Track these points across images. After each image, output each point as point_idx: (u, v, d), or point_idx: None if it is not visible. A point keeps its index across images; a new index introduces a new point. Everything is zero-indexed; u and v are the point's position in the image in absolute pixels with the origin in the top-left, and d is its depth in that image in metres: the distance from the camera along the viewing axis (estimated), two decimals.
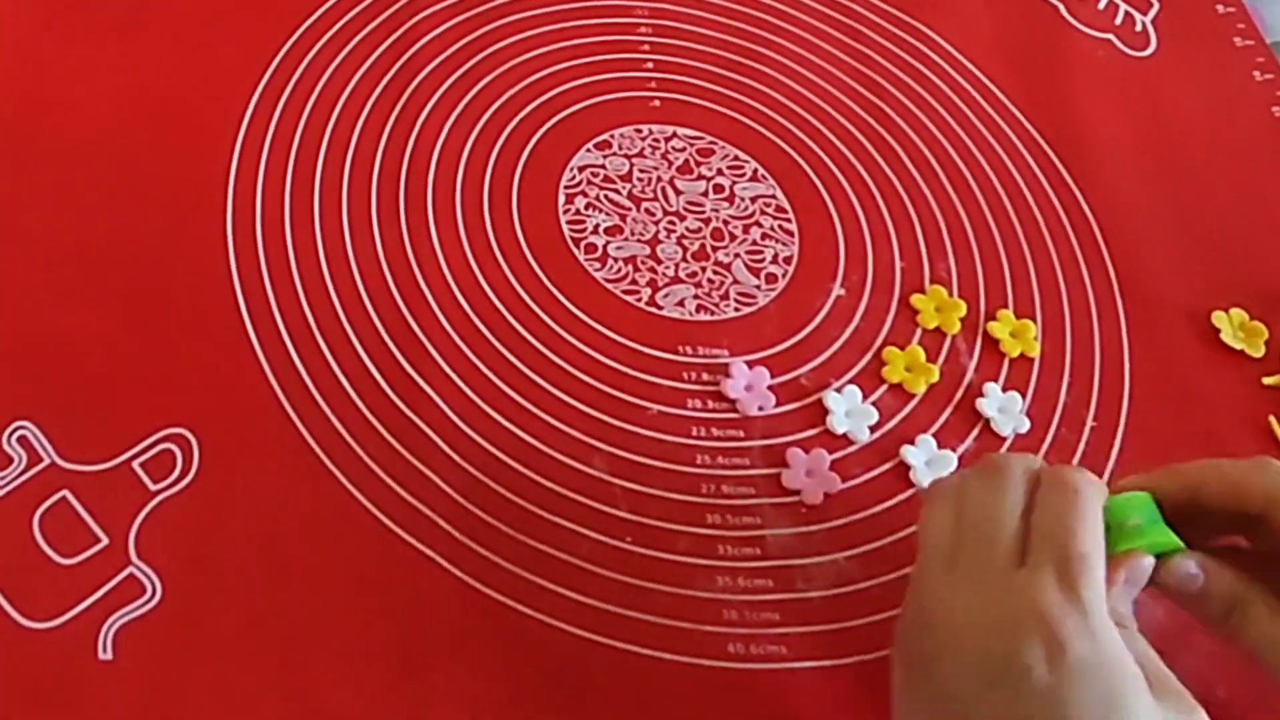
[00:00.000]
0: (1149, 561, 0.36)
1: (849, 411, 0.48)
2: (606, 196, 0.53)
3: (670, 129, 0.56)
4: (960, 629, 0.34)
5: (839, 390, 0.48)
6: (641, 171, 0.54)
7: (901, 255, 0.53)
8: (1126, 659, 0.33)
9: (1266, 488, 0.37)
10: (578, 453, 0.45)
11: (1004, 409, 0.49)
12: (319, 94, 0.53)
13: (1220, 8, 0.67)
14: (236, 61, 0.53)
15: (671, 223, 0.52)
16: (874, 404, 0.48)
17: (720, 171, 0.55)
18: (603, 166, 0.54)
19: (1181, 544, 0.37)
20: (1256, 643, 0.37)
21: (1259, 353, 0.53)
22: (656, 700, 0.40)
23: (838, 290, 0.52)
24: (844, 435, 0.47)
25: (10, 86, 0.51)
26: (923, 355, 0.50)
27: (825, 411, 0.47)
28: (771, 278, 0.52)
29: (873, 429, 0.47)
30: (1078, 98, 0.61)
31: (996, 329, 0.51)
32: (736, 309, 0.50)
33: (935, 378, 0.49)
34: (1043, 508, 0.36)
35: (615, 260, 0.51)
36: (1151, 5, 0.67)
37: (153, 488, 0.42)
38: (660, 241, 0.52)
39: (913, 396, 0.49)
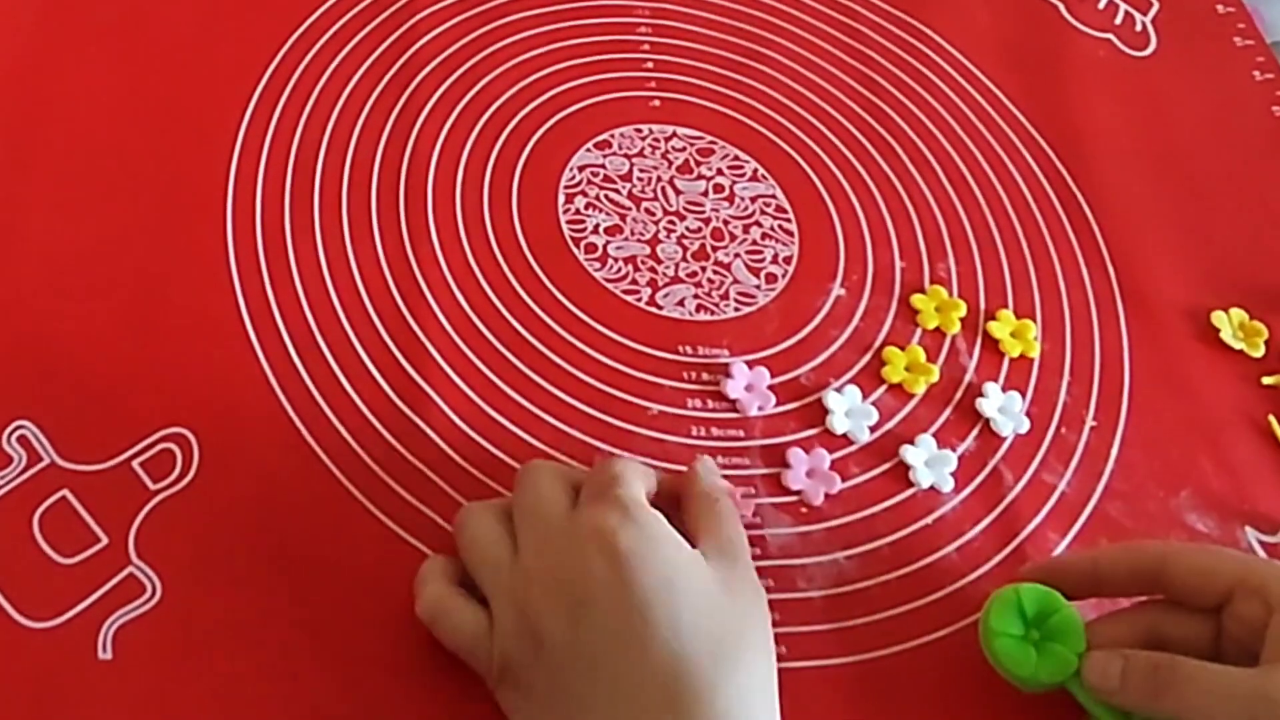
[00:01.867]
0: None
1: (849, 411, 0.48)
2: (606, 196, 0.53)
3: (670, 129, 0.56)
4: (534, 576, 0.37)
5: (839, 390, 0.48)
6: (641, 171, 0.54)
7: (901, 255, 0.53)
8: (673, 536, 0.37)
9: (1234, 575, 0.39)
10: (578, 453, 0.45)
11: (1004, 409, 0.49)
12: (318, 94, 0.53)
13: (1220, 7, 0.67)
14: (236, 61, 0.53)
15: (671, 222, 0.52)
16: (874, 404, 0.48)
17: (720, 171, 0.55)
18: (603, 166, 0.54)
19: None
20: (1194, 705, 0.37)
21: (1258, 352, 0.53)
22: None
23: (838, 290, 0.52)
24: (844, 435, 0.47)
25: (10, 86, 0.50)
26: (923, 355, 0.50)
27: (825, 411, 0.47)
28: (771, 277, 0.52)
29: (872, 429, 0.47)
30: (1078, 97, 0.61)
31: (996, 329, 0.51)
32: (736, 309, 0.50)
33: (935, 378, 0.49)
34: (587, 483, 0.40)
35: (615, 260, 0.51)
36: (1151, 5, 0.67)
37: (152, 487, 0.42)
38: (660, 241, 0.52)
39: (912, 396, 0.49)
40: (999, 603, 0.41)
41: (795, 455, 0.46)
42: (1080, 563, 0.42)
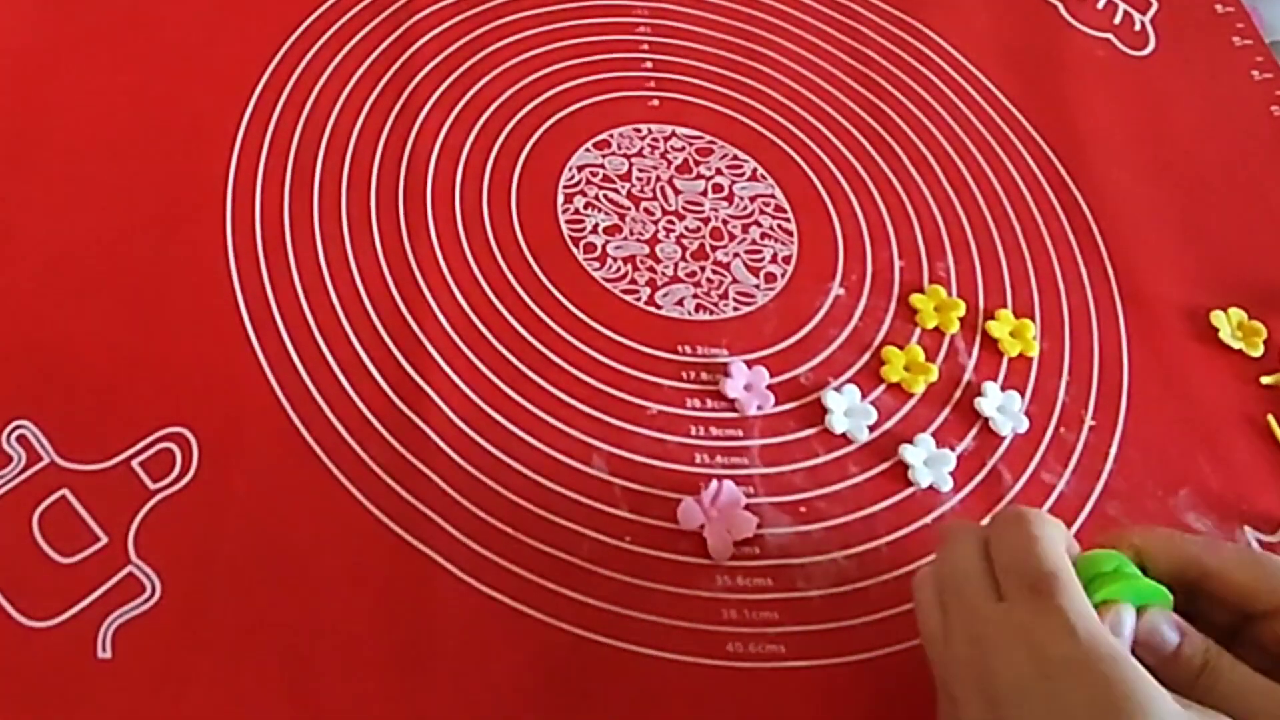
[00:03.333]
0: (1130, 612, 0.36)
1: (848, 411, 0.48)
2: (605, 196, 0.53)
3: (669, 128, 0.56)
4: (964, 666, 0.35)
5: (838, 390, 0.48)
6: (640, 171, 0.54)
7: (900, 254, 0.53)
8: (1125, 656, 0.33)
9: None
10: (578, 452, 0.45)
11: (1003, 408, 0.49)
12: (318, 94, 0.53)
13: (1219, 7, 0.67)
14: (236, 61, 0.53)
15: (670, 222, 0.52)
16: (873, 403, 0.48)
17: (719, 171, 0.55)
18: (602, 166, 0.54)
19: (1166, 592, 0.37)
20: (1228, 701, 0.35)
21: (1257, 352, 0.53)
22: (656, 700, 0.40)
23: (837, 290, 0.52)
24: (843, 434, 0.47)
25: (10, 87, 0.51)
26: (921, 355, 0.50)
27: (824, 411, 0.47)
28: (770, 277, 0.52)
29: (871, 428, 0.47)
30: (1077, 97, 0.61)
31: (995, 328, 0.51)
32: (735, 308, 0.50)
33: (934, 377, 0.49)
34: (998, 544, 0.37)
35: (614, 260, 0.51)
36: (1150, 4, 0.67)
37: (152, 487, 0.42)
38: (659, 241, 0.52)
39: (911, 396, 0.49)
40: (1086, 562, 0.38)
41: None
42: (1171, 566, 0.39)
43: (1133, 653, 0.35)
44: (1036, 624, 0.34)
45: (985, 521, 0.40)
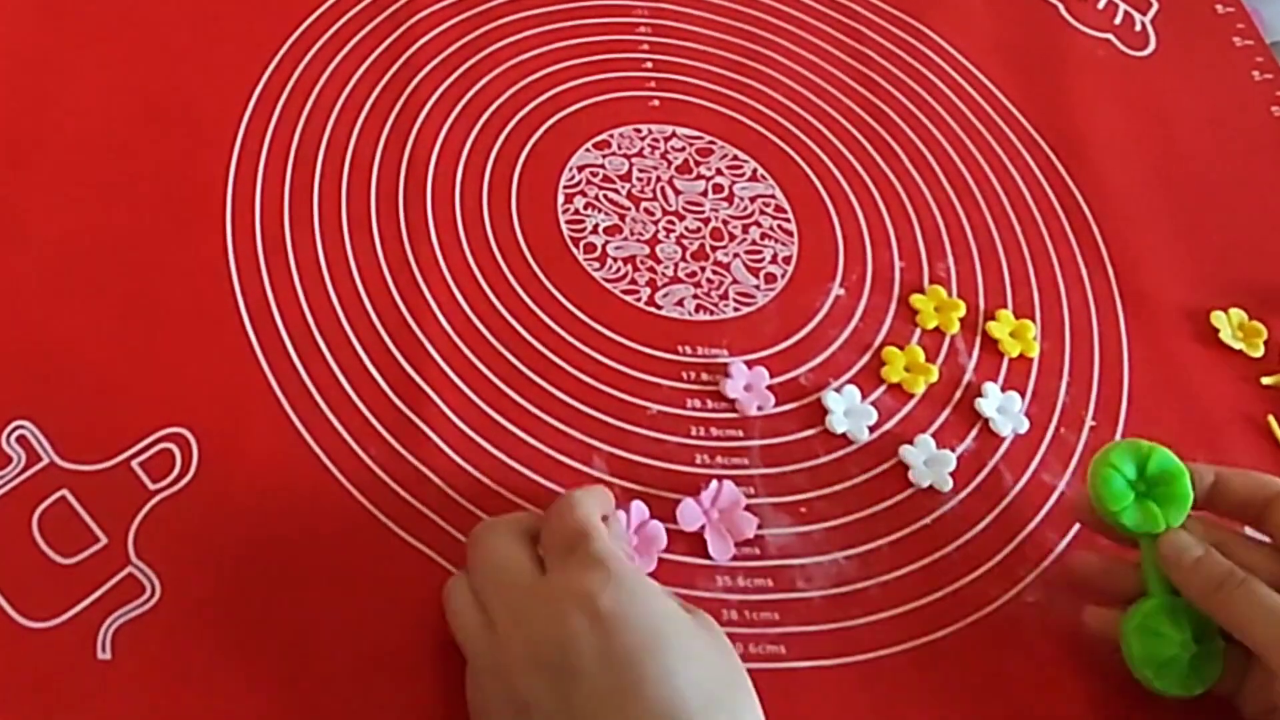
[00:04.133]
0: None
1: (848, 411, 0.48)
2: (606, 196, 0.53)
3: (669, 129, 0.56)
4: (514, 647, 0.35)
5: (838, 390, 0.48)
6: (641, 171, 0.54)
7: (901, 255, 0.53)
8: (654, 593, 0.36)
9: None
10: (578, 453, 0.45)
11: (1003, 409, 0.49)
12: (318, 94, 0.53)
13: (1219, 7, 0.67)
14: (236, 61, 0.53)
15: (671, 222, 0.52)
16: (873, 404, 0.48)
17: (719, 171, 0.55)
18: (602, 166, 0.54)
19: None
20: (1248, 616, 0.38)
21: (1258, 352, 0.53)
22: None
23: (837, 290, 0.52)
24: (843, 435, 0.47)
25: (10, 86, 0.51)
26: (922, 355, 0.50)
27: (824, 411, 0.47)
28: (771, 277, 0.52)
29: (871, 429, 0.47)
30: (1077, 97, 0.61)
31: (995, 329, 0.51)
32: (736, 309, 0.50)
33: (934, 378, 0.49)
34: (543, 531, 0.38)
35: (614, 260, 0.51)
36: (1151, 5, 0.67)
37: (152, 487, 0.42)
38: (659, 241, 0.52)
39: (911, 396, 0.49)
40: (1127, 445, 0.42)
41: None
42: (1204, 472, 0.42)
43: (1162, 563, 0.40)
44: (578, 579, 0.35)
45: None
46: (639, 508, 0.43)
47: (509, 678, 0.35)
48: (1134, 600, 0.41)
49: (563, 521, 0.38)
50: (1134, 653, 0.40)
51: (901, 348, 0.50)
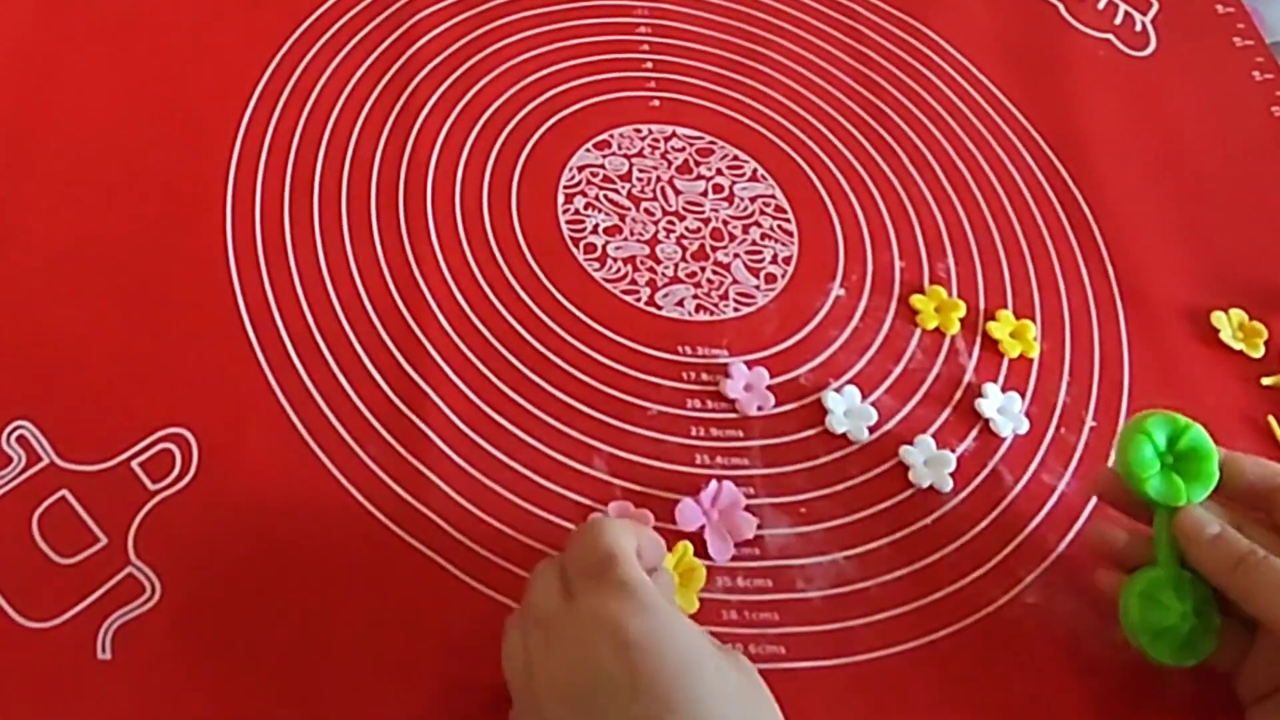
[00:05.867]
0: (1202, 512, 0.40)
1: (848, 411, 0.48)
2: (606, 196, 0.53)
3: (669, 129, 0.56)
4: (541, 676, 0.34)
5: (838, 391, 0.48)
6: (641, 171, 0.54)
7: (901, 255, 0.53)
8: (684, 622, 0.34)
9: None
10: (578, 453, 0.45)
11: (1003, 409, 0.49)
12: (318, 94, 0.53)
13: (1220, 7, 0.67)
14: (236, 61, 0.53)
15: (671, 223, 0.52)
16: (873, 404, 0.48)
17: (719, 171, 0.55)
18: (602, 166, 0.54)
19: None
20: (1266, 593, 0.38)
21: (1258, 353, 0.53)
22: None
23: (837, 290, 0.52)
24: (843, 435, 0.47)
25: (10, 86, 0.51)
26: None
27: (824, 412, 0.47)
28: (771, 278, 0.52)
29: (871, 429, 0.47)
30: (1078, 98, 0.61)
31: (996, 329, 0.51)
32: (736, 309, 0.50)
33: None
34: (567, 559, 0.37)
35: (614, 260, 0.51)
36: (1151, 5, 0.67)
37: (152, 487, 0.42)
38: (659, 241, 0.52)
39: (911, 397, 0.49)
40: (1164, 416, 0.42)
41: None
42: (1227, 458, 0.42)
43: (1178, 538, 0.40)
44: (604, 604, 0.34)
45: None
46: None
47: (540, 711, 0.34)
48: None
49: (587, 546, 0.36)
50: (1133, 618, 0.40)
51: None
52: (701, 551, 0.43)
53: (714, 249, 0.52)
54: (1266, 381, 0.52)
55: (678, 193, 0.53)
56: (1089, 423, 0.49)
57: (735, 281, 0.51)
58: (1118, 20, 0.65)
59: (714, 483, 0.44)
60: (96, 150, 0.49)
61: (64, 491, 0.41)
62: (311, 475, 0.43)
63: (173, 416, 0.43)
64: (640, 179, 0.54)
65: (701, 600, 0.42)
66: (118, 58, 0.52)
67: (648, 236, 0.52)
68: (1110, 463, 0.42)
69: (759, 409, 0.47)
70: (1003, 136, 0.59)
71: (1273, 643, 0.39)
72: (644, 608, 0.34)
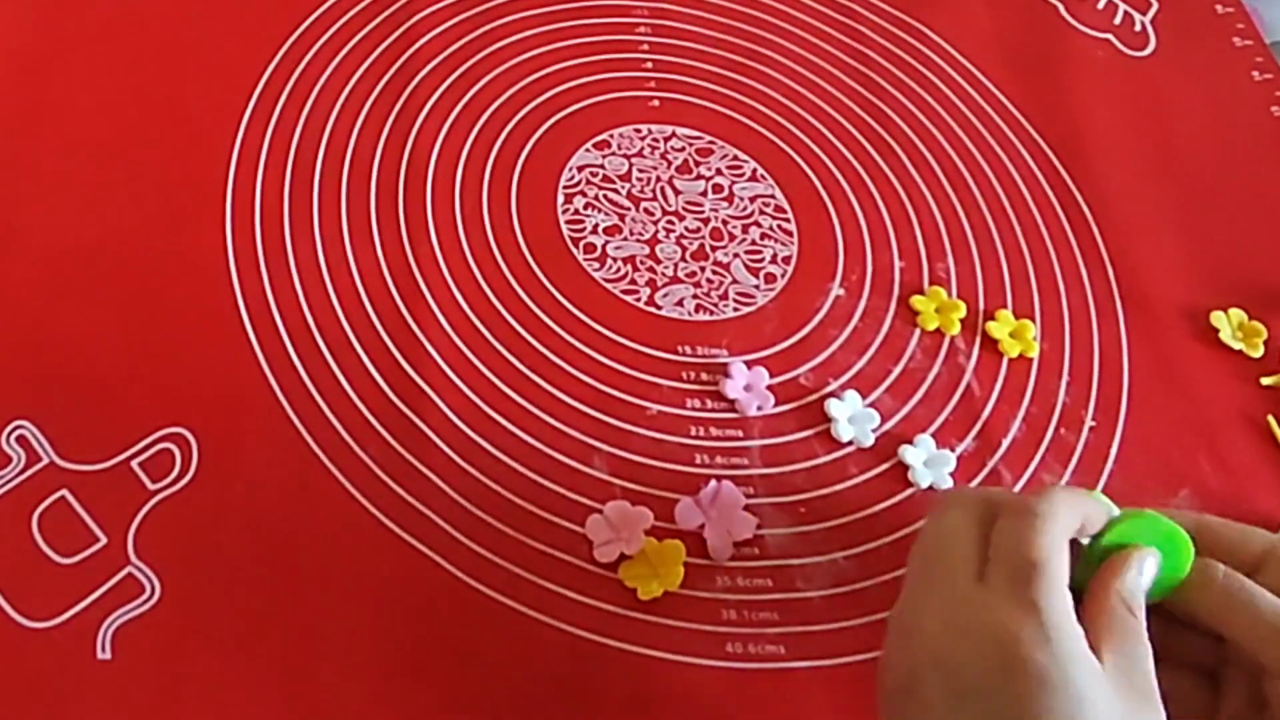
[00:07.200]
0: (1153, 558, 0.36)
1: (851, 418, 0.47)
2: (605, 196, 0.53)
3: (669, 129, 0.56)
4: (930, 641, 0.34)
5: (839, 397, 0.48)
6: (640, 171, 0.54)
7: (901, 255, 0.53)
8: (1084, 663, 0.32)
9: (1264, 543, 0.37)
10: (578, 453, 0.45)
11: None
12: (318, 94, 0.53)
13: (1219, 7, 0.67)
14: (235, 62, 0.53)
15: (670, 222, 0.52)
16: (873, 405, 0.48)
17: (719, 171, 0.55)
18: (602, 166, 0.54)
19: (1187, 538, 0.36)
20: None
21: (1258, 353, 0.53)
22: (655, 700, 0.40)
23: (837, 290, 0.52)
24: (848, 440, 0.47)
25: (10, 86, 0.51)
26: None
27: (825, 412, 0.47)
28: (770, 277, 0.52)
29: (872, 430, 0.47)
30: (1077, 98, 0.61)
31: (995, 329, 0.51)
32: (735, 309, 0.50)
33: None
34: (998, 530, 0.35)
35: (614, 260, 0.51)
36: (1151, 5, 0.67)
37: (152, 487, 0.42)
38: (659, 241, 0.52)
39: (911, 397, 0.49)
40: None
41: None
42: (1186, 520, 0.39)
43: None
44: (1009, 619, 0.33)
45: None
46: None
47: (912, 661, 0.34)
48: None
49: (1021, 540, 0.34)
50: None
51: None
52: (701, 551, 0.43)
53: (714, 249, 0.52)
54: (1266, 381, 0.52)
55: (677, 193, 0.54)
56: (1088, 422, 0.49)
57: (735, 281, 0.51)
58: (1117, 20, 0.65)
59: (714, 482, 0.44)
60: (96, 150, 0.49)
61: (64, 491, 0.41)
62: (311, 475, 0.43)
63: (173, 416, 0.43)
64: (640, 179, 0.54)
65: (701, 600, 0.42)
66: (118, 58, 0.52)
67: (647, 236, 0.52)
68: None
69: (759, 409, 0.47)
70: (1002, 136, 0.59)
71: (1241, 689, 0.37)
72: (1050, 641, 0.32)
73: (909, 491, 0.46)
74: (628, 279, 0.50)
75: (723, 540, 0.44)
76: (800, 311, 0.51)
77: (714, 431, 0.47)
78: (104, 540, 0.40)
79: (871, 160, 0.56)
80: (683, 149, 0.55)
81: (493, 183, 0.52)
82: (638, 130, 0.55)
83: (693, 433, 0.46)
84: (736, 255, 0.52)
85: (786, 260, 0.52)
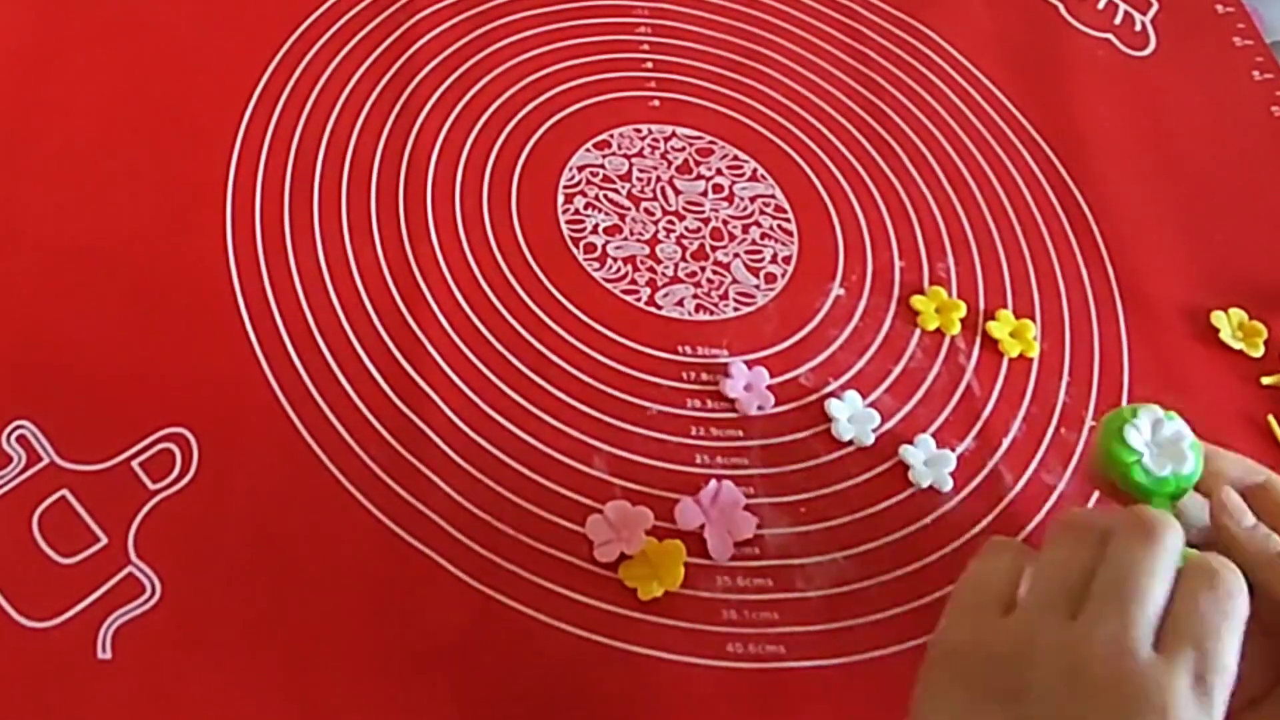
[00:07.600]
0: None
1: (851, 418, 0.47)
2: (606, 196, 0.53)
3: (669, 129, 0.56)
4: (1052, 673, 0.33)
5: (839, 398, 0.48)
6: (641, 171, 0.54)
7: (901, 255, 0.53)
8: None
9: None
10: (578, 453, 0.45)
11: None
12: (318, 94, 0.53)
13: (1220, 7, 0.67)
14: (236, 62, 0.53)
15: (671, 222, 0.52)
16: (873, 405, 0.48)
17: (719, 171, 0.55)
18: (602, 166, 0.54)
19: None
20: None
21: (1258, 352, 0.53)
22: (656, 700, 0.40)
23: (837, 290, 0.52)
24: (848, 440, 0.47)
25: (10, 86, 0.51)
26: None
27: (825, 412, 0.47)
28: (771, 277, 0.52)
29: (873, 430, 0.47)
30: (1077, 97, 0.61)
31: (995, 329, 0.51)
32: (736, 309, 0.50)
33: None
34: (1189, 599, 0.34)
35: (614, 260, 0.51)
36: (1151, 5, 0.67)
37: (152, 487, 0.42)
38: (659, 241, 0.52)
39: (911, 396, 0.49)
40: (1143, 407, 0.40)
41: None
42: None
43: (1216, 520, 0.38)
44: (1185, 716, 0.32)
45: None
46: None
47: (967, 672, 0.34)
48: None
49: (1215, 638, 0.33)
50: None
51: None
52: (701, 551, 0.43)
53: (714, 249, 0.52)
54: (1266, 381, 0.52)
55: (678, 192, 0.54)
56: (1089, 422, 0.49)
57: (735, 281, 0.51)
58: (1117, 20, 0.65)
59: (714, 482, 0.44)
60: (96, 150, 0.49)
61: (64, 491, 0.41)
62: (311, 475, 0.43)
63: (173, 416, 0.43)
64: (640, 179, 0.54)
65: (702, 600, 0.42)
66: (118, 58, 0.52)
67: (648, 236, 0.52)
68: (1093, 455, 0.41)
69: (759, 409, 0.47)
70: (1003, 136, 0.59)
71: (1267, 644, 0.39)
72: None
73: (909, 491, 0.46)
74: (628, 279, 0.50)
75: (723, 540, 0.44)
76: (800, 311, 0.51)
77: (714, 431, 0.47)
78: (104, 540, 0.40)
79: (871, 160, 0.56)
80: (683, 149, 0.55)
81: (493, 182, 0.52)
82: (638, 130, 0.55)
83: (693, 433, 0.46)
84: (737, 255, 0.52)
85: (787, 260, 0.52)
